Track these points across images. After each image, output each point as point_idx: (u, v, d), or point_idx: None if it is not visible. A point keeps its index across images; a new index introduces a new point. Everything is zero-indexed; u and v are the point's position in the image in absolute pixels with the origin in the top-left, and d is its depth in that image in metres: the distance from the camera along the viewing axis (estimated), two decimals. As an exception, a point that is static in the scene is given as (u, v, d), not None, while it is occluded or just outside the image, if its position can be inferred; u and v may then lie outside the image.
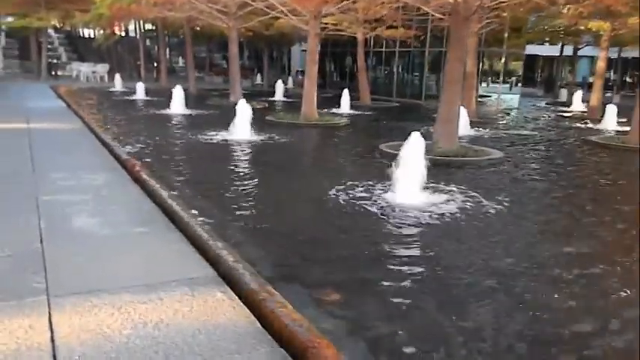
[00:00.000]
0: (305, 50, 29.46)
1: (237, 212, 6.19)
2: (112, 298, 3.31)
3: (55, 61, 35.84)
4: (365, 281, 4.40)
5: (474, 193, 7.10)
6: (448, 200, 6.69)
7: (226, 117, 12.40)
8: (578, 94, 25.10)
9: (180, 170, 8.62)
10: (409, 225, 5.83)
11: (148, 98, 21.07)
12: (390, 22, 21.33)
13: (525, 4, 16.28)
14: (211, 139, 11.41)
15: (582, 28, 20.86)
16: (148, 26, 36.05)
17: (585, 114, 21.47)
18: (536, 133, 15.48)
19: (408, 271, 4.61)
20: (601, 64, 21.48)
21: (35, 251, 4.05)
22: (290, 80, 34.27)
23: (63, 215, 5.02)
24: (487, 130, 15.03)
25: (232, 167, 9.11)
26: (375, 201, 6.59)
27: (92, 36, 42.96)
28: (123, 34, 38.55)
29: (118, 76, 26.39)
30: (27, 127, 11.06)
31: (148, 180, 6.66)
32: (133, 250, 4.26)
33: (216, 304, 3.31)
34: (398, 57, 28.14)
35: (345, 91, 19.86)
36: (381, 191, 6.96)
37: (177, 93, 17.06)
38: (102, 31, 34.69)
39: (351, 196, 6.83)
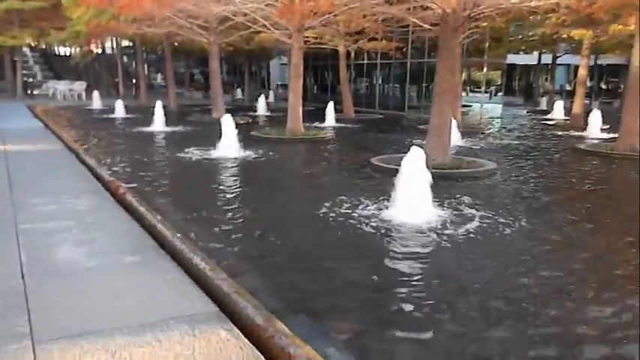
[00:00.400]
0: (285, 64, 29.32)
1: (228, 235, 5.86)
2: (104, 341, 2.98)
3: (30, 79, 35.12)
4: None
5: (477, 207, 6.89)
6: (453, 216, 6.45)
7: (210, 133, 12.07)
8: (559, 102, 25.27)
9: (168, 191, 8.26)
10: (416, 245, 5.58)
11: (128, 116, 20.62)
12: (372, 34, 21.27)
13: (507, 14, 16.32)
14: (197, 157, 11.06)
15: (564, 36, 21.00)
16: (126, 43, 35.58)
17: (567, 121, 21.60)
18: (524, 142, 15.41)
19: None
20: (582, 72, 21.63)
21: (16, 289, 3.69)
22: (271, 94, 34.00)
23: (45, 245, 4.66)
24: (475, 140, 14.93)
25: (222, 187, 8.79)
26: (380, 219, 6.29)
27: (68, 54, 42.31)
28: (100, 51, 38.00)
29: (96, 94, 25.83)
30: (3, 148, 10.61)
31: (135, 203, 6.32)
32: (125, 282, 3.93)
33: (220, 344, 3.00)
34: (380, 69, 28.14)
35: (330, 104, 19.68)
36: (384, 208, 6.67)
37: (159, 110, 16.68)
38: (79, 49, 34.10)
39: (355, 214, 6.53)
